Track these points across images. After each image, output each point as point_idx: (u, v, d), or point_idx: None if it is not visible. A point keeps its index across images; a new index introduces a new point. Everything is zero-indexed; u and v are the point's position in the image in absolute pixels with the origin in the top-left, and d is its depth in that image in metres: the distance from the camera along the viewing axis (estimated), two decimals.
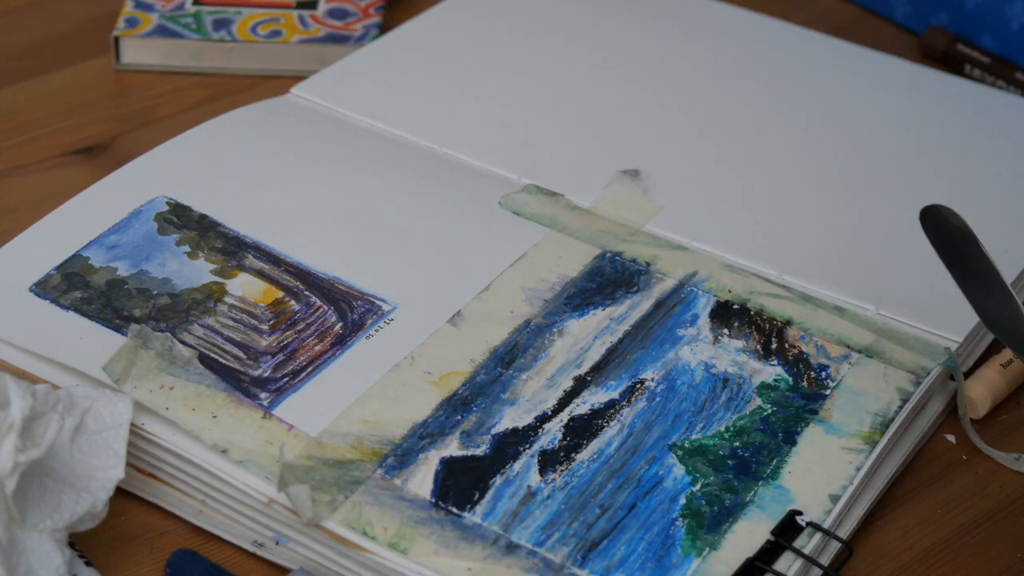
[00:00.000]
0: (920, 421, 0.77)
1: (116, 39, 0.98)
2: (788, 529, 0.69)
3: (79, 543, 0.69)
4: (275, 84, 0.97)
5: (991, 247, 0.72)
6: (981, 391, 0.78)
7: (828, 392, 0.75)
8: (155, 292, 0.77)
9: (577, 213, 0.84)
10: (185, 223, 0.81)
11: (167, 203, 0.82)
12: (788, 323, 0.79)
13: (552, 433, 0.72)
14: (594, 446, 0.72)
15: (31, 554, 0.64)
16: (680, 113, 0.94)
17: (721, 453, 0.72)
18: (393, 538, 0.67)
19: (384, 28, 1.00)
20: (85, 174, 0.89)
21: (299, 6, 1.01)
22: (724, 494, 0.70)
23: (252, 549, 0.70)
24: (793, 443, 0.73)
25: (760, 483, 0.71)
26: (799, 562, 0.68)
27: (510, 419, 0.73)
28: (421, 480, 0.69)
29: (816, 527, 0.69)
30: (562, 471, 0.71)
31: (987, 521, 0.74)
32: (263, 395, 0.72)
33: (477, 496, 0.69)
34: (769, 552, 0.68)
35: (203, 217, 0.81)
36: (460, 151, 0.89)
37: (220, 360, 0.74)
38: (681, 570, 0.67)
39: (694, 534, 0.68)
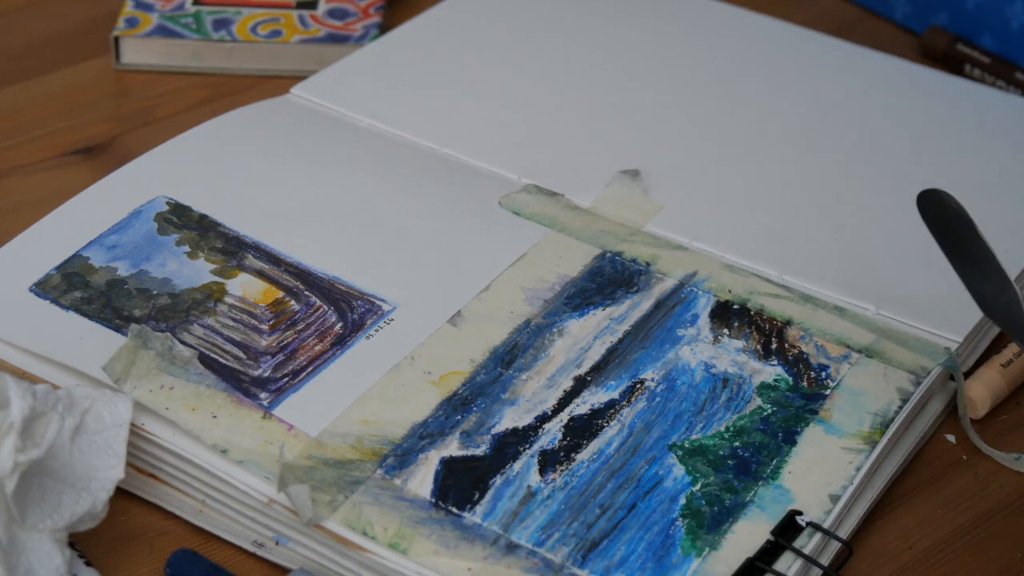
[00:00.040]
0: (920, 421, 0.76)
1: (116, 39, 0.98)
2: (788, 529, 0.69)
3: (79, 543, 0.69)
4: (275, 84, 0.97)
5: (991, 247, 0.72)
6: (981, 391, 0.78)
7: (828, 392, 0.75)
8: (155, 292, 0.77)
9: (577, 213, 0.84)
10: (185, 223, 0.81)
11: (167, 203, 0.82)
12: (788, 323, 0.79)
13: (552, 433, 0.72)
14: (594, 446, 0.72)
15: (31, 554, 0.64)
16: (680, 113, 0.94)
17: (721, 453, 0.72)
18: (393, 538, 0.67)
19: (384, 28, 1.00)
20: (85, 174, 0.89)
21: (299, 6, 1.01)
22: (724, 494, 0.70)
23: (252, 549, 0.70)
24: (793, 443, 0.73)
25: (760, 483, 0.71)
26: (799, 562, 0.68)
27: (510, 419, 0.73)
28: (421, 480, 0.69)
29: (816, 527, 0.69)
30: (562, 471, 0.71)
31: (987, 521, 0.73)
32: (263, 395, 0.72)
33: (477, 496, 0.69)
34: (769, 552, 0.68)
35: (203, 217, 0.81)
36: (460, 151, 0.89)
37: (220, 360, 0.74)
38: (681, 570, 0.67)
39: (694, 534, 0.68)
